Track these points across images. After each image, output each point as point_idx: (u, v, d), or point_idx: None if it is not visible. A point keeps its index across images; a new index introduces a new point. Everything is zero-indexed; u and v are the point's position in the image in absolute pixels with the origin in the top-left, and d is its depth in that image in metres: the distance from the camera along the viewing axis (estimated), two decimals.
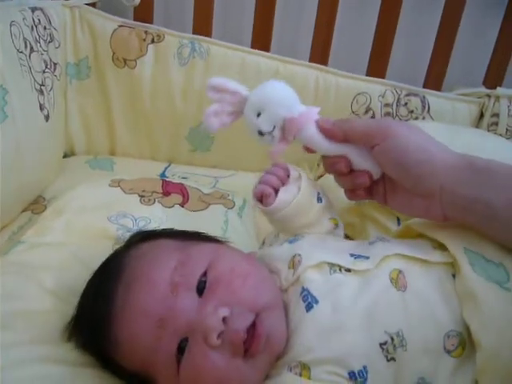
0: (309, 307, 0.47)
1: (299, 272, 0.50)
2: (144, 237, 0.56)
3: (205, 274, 0.48)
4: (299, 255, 0.51)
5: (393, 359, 0.45)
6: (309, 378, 0.45)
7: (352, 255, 0.51)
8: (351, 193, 0.57)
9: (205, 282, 0.47)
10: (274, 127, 0.53)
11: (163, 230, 0.61)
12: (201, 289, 0.47)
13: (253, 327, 0.45)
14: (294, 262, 0.51)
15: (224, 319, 0.44)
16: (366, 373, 0.45)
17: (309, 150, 0.55)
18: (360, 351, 0.45)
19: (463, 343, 0.45)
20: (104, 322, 0.48)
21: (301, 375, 0.45)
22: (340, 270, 0.49)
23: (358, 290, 0.48)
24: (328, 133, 0.53)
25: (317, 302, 0.47)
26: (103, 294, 0.49)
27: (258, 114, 0.53)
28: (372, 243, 0.54)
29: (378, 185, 0.55)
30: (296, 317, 0.48)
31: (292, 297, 0.49)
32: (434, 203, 0.50)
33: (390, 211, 0.72)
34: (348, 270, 0.49)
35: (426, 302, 0.46)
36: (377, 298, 0.47)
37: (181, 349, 0.45)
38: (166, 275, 0.47)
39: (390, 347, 0.45)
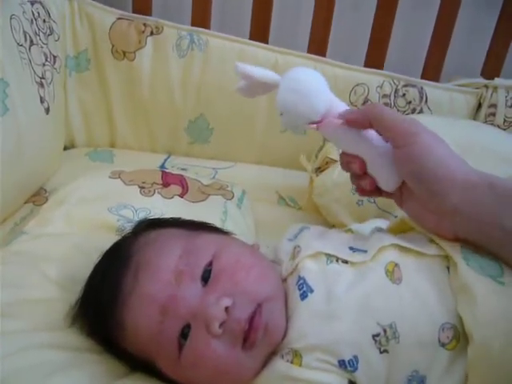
0: (304, 296, 0.48)
1: (297, 261, 0.51)
2: (152, 224, 0.58)
3: (210, 263, 0.49)
4: (299, 246, 0.53)
5: (386, 351, 0.45)
6: (300, 366, 0.46)
7: (351, 248, 0.52)
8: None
9: (210, 271, 0.48)
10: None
11: (171, 218, 0.62)
12: (206, 278, 0.48)
13: (253, 318, 0.46)
14: (294, 253, 0.53)
15: (226, 309, 0.45)
16: (357, 362, 0.45)
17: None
18: (351, 340, 0.46)
19: (458, 336, 0.45)
20: (110, 305, 0.49)
21: (292, 362, 0.46)
22: (337, 261, 0.50)
23: (353, 281, 0.48)
24: (352, 123, 0.49)
25: (312, 290, 0.48)
26: (111, 278, 0.50)
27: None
28: (370, 235, 0.55)
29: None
30: (292, 305, 0.49)
31: (290, 286, 0.50)
32: (446, 221, 0.48)
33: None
34: (345, 262, 0.50)
35: (420, 295, 0.47)
36: (371, 289, 0.47)
37: (183, 334, 0.47)
38: (172, 263, 0.49)
39: (383, 339, 0.45)
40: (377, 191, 0.53)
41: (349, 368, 0.45)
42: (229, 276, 0.48)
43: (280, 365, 0.47)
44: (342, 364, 0.45)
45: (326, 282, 0.48)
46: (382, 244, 0.50)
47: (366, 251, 0.51)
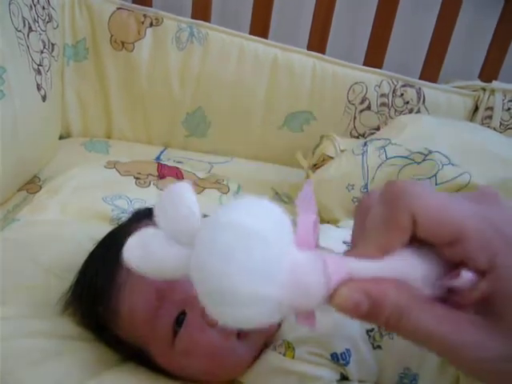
0: None
1: None
2: (149, 214, 0.57)
3: None
4: None
5: (379, 347, 0.45)
6: (292, 358, 0.46)
7: (345, 243, 0.52)
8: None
9: None
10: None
11: None
12: None
13: None
14: None
15: None
16: (349, 356, 0.45)
17: None
18: (344, 333, 0.46)
19: None
20: (106, 290, 0.49)
21: (285, 355, 0.46)
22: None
23: None
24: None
25: None
26: (107, 265, 0.50)
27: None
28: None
29: None
30: None
31: None
32: None
33: None
34: None
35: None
36: None
37: (178, 322, 0.46)
38: None
39: (377, 334, 0.45)
40: None
41: (341, 361, 0.45)
42: None
43: (272, 357, 0.47)
44: (334, 357, 0.45)
45: None
46: None
47: None
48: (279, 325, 0.48)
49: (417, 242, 0.27)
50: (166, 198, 0.30)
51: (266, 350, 0.48)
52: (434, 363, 0.45)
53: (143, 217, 0.56)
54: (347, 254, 0.28)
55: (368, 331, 0.46)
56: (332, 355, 0.45)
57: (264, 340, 0.48)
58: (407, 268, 0.27)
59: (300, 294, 0.26)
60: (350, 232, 0.54)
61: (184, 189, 0.30)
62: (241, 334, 0.46)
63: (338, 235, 0.54)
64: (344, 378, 0.47)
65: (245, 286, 0.25)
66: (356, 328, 0.46)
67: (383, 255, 0.27)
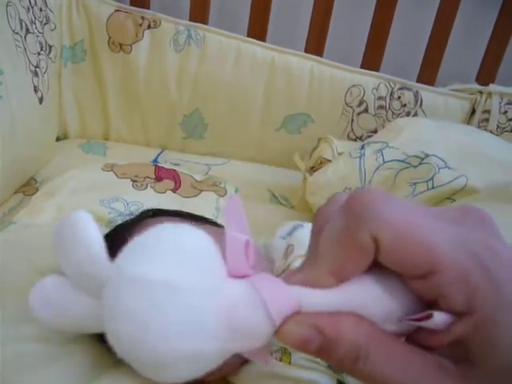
0: None
1: (289, 261, 0.51)
2: (156, 213, 0.58)
3: None
4: (292, 245, 0.52)
5: None
6: (289, 363, 0.46)
7: None
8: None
9: None
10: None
11: (174, 210, 0.62)
12: None
13: None
14: (286, 253, 0.52)
15: None
16: None
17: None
18: None
19: None
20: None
21: (281, 360, 0.46)
22: None
23: None
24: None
25: None
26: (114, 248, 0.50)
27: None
28: None
29: None
30: None
31: None
32: None
33: None
34: None
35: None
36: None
37: None
38: None
39: None
40: None
41: (339, 371, 0.45)
42: None
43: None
44: (330, 365, 0.45)
45: None
46: None
47: None
48: None
49: (380, 266, 0.23)
50: (62, 235, 0.25)
51: None
52: None
53: (149, 217, 0.56)
54: (294, 276, 0.23)
55: None
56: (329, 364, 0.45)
57: None
58: (367, 300, 0.23)
59: (241, 338, 0.23)
60: None
61: (81, 222, 0.24)
62: None
63: None
64: None
65: (170, 349, 0.21)
66: None
67: (337, 282, 0.23)
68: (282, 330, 0.22)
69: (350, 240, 0.22)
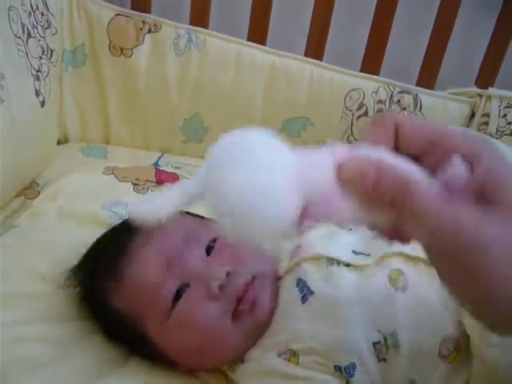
0: (304, 299, 0.48)
1: (295, 261, 0.51)
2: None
3: (214, 240, 0.51)
4: (300, 246, 0.52)
5: (384, 360, 0.45)
6: (297, 364, 0.46)
7: (354, 252, 0.51)
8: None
9: (213, 246, 0.51)
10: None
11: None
12: (208, 251, 0.50)
13: (246, 289, 0.48)
14: (294, 252, 0.52)
15: (227, 274, 0.47)
16: (354, 369, 0.45)
17: None
18: (350, 348, 0.45)
19: (458, 347, 0.44)
20: (115, 259, 0.50)
21: (289, 361, 0.46)
22: (338, 264, 0.49)
23: (355, 285, 0.48)
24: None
25: (312, 293, 0.48)
26: (119, 238, 0.53)
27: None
28: (374, 238, 0.53)
29: None
30: (289, 305, 0.49)
31: (286, 284, 0.50)
32: None
33: None
34: (347, 265, 0.49)
35: (425, 305, 0.46)
36: (374, 296, 0.47)
37: (178, 294, 0.48)
38: (182, 231, 0.51)
39: (383, 348, 0.45)
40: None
41: (344, 374, 0.45)
42: (231, 251, 0.50)
43: (277, 362, 0.47)
44: (337, 369, 0.45)
45: (326, 285, 0.48)
46: (386, 251, 0.49)
47: (369, 254, 0.50)
48: (272, 313, 0.49)
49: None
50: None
51: (269, 356, 0.48)
52: (440, 375, 0.44)
53: None
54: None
55: (374, 344, 0.45)
56: (335, 367, 0.45)
57: (255, 328, 0.49)
58: (403, 162, 0.28)
59: (312, 179, 0.28)
60: (363, 239, 0.53)
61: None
62: (235, 317, 0.47)
63: (351, 243, 0.53)
64: None
65: (263, 186, 0.27)
66: (362, 341, 0.45)
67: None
68: (343, 166, 0.27)
69: (379, 124, 0.30)
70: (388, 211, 0.28)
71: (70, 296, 0.56)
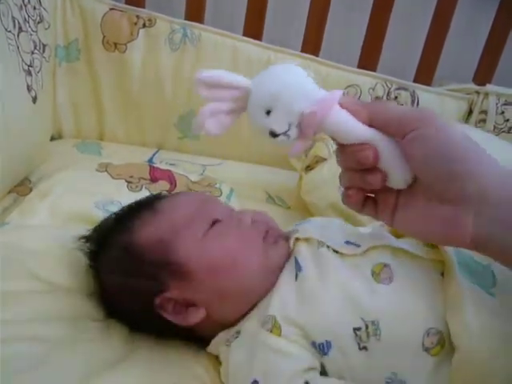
0: (296, 276, 0.50)
1: (291, 243, 0.53)
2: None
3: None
4: (297, 231, 0.54)
5: (365, 348, 0.45)
6: (279, 336, 0.47)
7: (347, 242, 0.52)
8: (350, 197, 0.45)
9: (233, 209, 0.58)
10: (290, 125, 0.41)
11: None
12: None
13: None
14: (289, 235, 0.54)
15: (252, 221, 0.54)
16: (328, 348, 0.46)
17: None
18: (327, 327, 0.46)
19: (443, 342, 0.44)
20: (151, 202, 0.56)
21: (271, 332, 0.47)
22: (328, 248, 0.51)
23: (342, 270, 0.49)
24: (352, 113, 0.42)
25: (300, 268, 0.50)
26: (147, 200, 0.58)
27: (268, 112, 0.42)
28: (371, 231, 0.55)
29: (388, 196, 0.44)
30: (282, 280, 0.50)
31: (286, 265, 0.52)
32: (464, 216, 0.39)
33: None
34: (335, 252, 0.51)
35: (409, 297, 0.46)
36: (358, 284, 0.48)
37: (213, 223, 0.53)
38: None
39: (364, 334, 0.45)
40: (372, 204, 0.46)
41: (318, 350, 0.46)
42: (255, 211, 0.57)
43: (258, 332, 0.48)
44: (313, 345, 0.46)
45: (315, 264, 0.50)
46: (374, 243, 0.50)
47: (359, 246, 0.51)
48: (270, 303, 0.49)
49: None
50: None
51: (252, 326, 0.49)
52: (424, 370, 0.44)
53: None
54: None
55: (355, 329, 0.46)
56: (311, 343, 0.46)
57: (280, 262, 0.52)
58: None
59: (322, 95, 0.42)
60: (357, 232, 0.54)
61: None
62: (267, 237, 0.53)
63: (345, 234, 0.54)
64: (324, 371, 0.47)
65: (291, 88, 0.42)
66: (343, 324, 0.46)
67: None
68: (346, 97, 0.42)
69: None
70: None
71: (71, 292, 0.55)
